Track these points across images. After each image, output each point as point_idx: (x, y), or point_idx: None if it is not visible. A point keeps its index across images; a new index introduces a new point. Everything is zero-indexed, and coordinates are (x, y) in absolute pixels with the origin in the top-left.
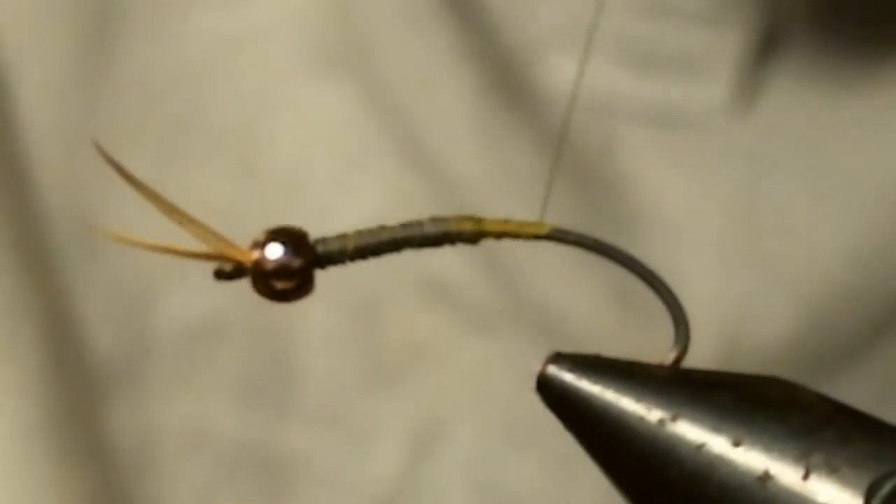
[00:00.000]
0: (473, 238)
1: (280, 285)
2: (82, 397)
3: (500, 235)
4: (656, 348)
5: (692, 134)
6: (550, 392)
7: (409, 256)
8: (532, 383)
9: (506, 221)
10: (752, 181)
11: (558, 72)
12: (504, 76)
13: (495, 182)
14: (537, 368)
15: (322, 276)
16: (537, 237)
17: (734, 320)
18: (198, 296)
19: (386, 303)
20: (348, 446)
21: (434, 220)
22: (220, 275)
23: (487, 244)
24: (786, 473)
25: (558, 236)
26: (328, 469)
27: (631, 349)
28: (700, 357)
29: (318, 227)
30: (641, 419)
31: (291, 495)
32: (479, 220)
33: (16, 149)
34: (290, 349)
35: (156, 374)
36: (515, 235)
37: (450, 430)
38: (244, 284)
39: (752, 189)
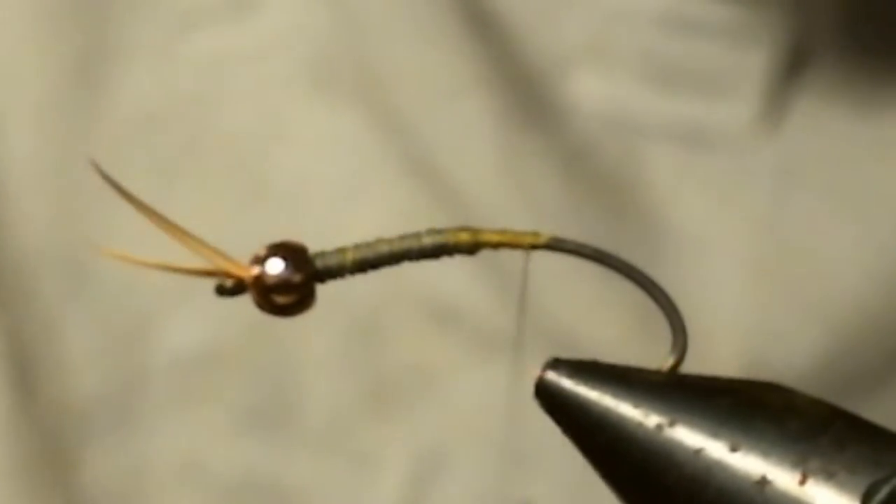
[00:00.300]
0: (470, 249)
1: (281, 300)
2: (63, 437)
3: (497, 245)
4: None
5: (718, 152)
6: (549, 398)
7: (411, 277)
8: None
9: (503, 232)
10: (778, 200)
11: (581, 90)
12: (524, 94)
13: (513, 202)
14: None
15: (322, 299)
16: (535, 247)
17: (759, 340)
18: (192, 326)
19: (387, 326)
20: (350, 474)
21: (431, 231)
22: (220, 291)
23: (491, 263)
24: (783, 478)
25: (556, 245)
26: (330, 498)
27: (645, 363)
28: (724, 359)
29: (324, 247)
30: (639, 424)
31: None
32: (475, 231)
33: (2, 181)
34: (289, 376)
35: (147, 408)
36: (513, 245)
37: (453, 455)
38: (240, 313)
39: (778, 208)
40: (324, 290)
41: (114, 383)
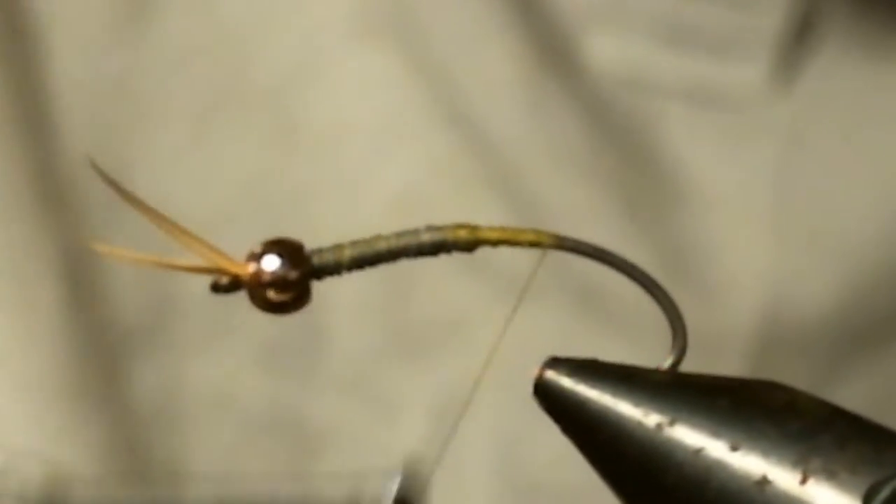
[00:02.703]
0: (469, 246)
1: (277, 297)
2: (105, 350)
3: (496, 243)
4: (699, 315)
5: (731, 111)
6: (548, 397)
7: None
8: (563, 350)
9: (502, 229)
10: (792, 157)
11: (599, 49)
12: (547, 48)
13: (538, 148)
14: (576, 344)
15: None
16: (534, 245)
17: (774, 294)
18: None
19: (417, 273)
20: (372, 416)
21: (430, 228)
22: (216, 288)
23: (523, 213)
24: (784, 478)
25: (556, 244)
26: (352, 437)
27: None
28: (741, 330)
29: (356, 198)
30: (639, 423)
31: (314, 461)
32: (474, 228)
33: (49, 103)
34: (319, 317)
35: (183, 334)
36: (513, 243)
37: (474, 401)
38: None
39: (792, 165)
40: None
41: (152, 308)
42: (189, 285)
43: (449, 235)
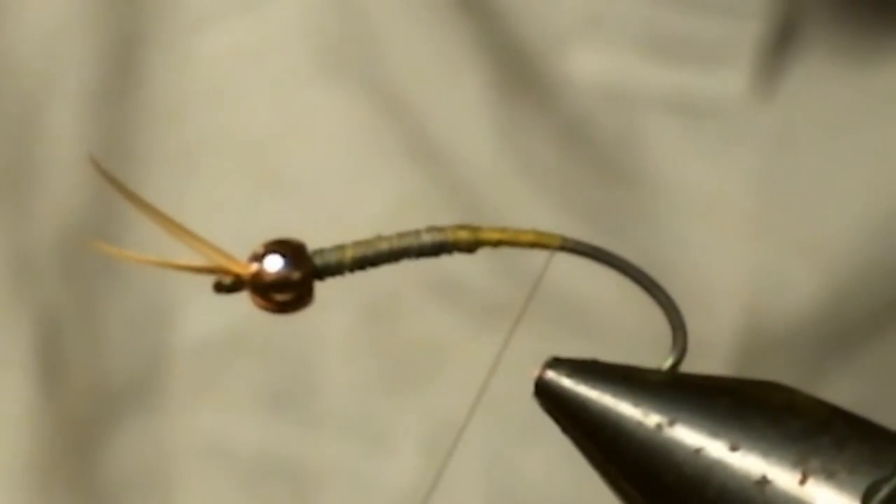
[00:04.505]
0: (470, 247)
1: (279, 298)
2: (92, 418)
3: (497, 244)
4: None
5: (714, 120)
6: (548, 397)
7: None
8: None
9: (503, 230)
10: (775, 161)
11: (579, 63)
12: (522, 69)
13: (512, 172)
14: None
15: (334, 282)
16: (535, 245)
17: (757, 298)
18: (216, 309)
19: (399, 304)
20: (368, 451)
21: (431, 229)
22: (219, 288)
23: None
24: (783, 478)
25: (556, 244)
26: (350, 476)
27: (654, 333)
28: (725, 330)
29: (337, 234)
30: (639, 424)
31: (313, 503)
32: (475, 229)
33: (38, 161)
34: (307, 357)
35: (174, 390)
36: (513, 244)
37: (467, 429)
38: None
39: (775, 169)
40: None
41: (140, 367)
42: (177, 338)
43: (450, 236)
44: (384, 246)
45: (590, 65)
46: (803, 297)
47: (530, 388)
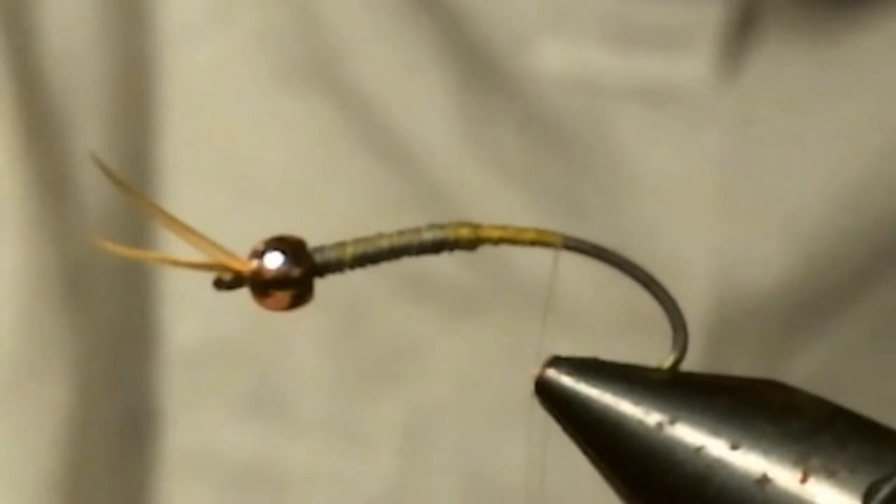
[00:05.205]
0: (471, 244)
1: (279, 294)
2: (105, 440)
3: (497, 241)
4: (637, 312)
5: (679, 105)
6: (549, 395)
7: None
8: (520, 361)
9: (504, 227)
10: (740, 142)
11: (544, 56)
12: (487, 64)
13: (480, 170)
14: (529, 350)
15: None
16: (535, 243)
17: (726, 271)
18: (194, 321)
19: (369, 303)
20: (347, 453)
21: (432, 227)
22: (219, 285)
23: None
24: (784, 476)
25: (556, 242)
26: (330, 478)
27: (618, 315)
28: (696, 303)
29: (309, 237)
30: (640, 422)
31: None
32: (476, 227)
33: (71, 181)
34: (282, 362)
35: (158, 404)
36: (514, 241)
37: (441, 422)
38: (232, 308)
39: (740, 149)
40: None
41: (126, 381)
42: (163, 352)
43: (450, 234)
44: (384, 243)
45: (555, 56)
46: (770, 273)
47: (505, 379)
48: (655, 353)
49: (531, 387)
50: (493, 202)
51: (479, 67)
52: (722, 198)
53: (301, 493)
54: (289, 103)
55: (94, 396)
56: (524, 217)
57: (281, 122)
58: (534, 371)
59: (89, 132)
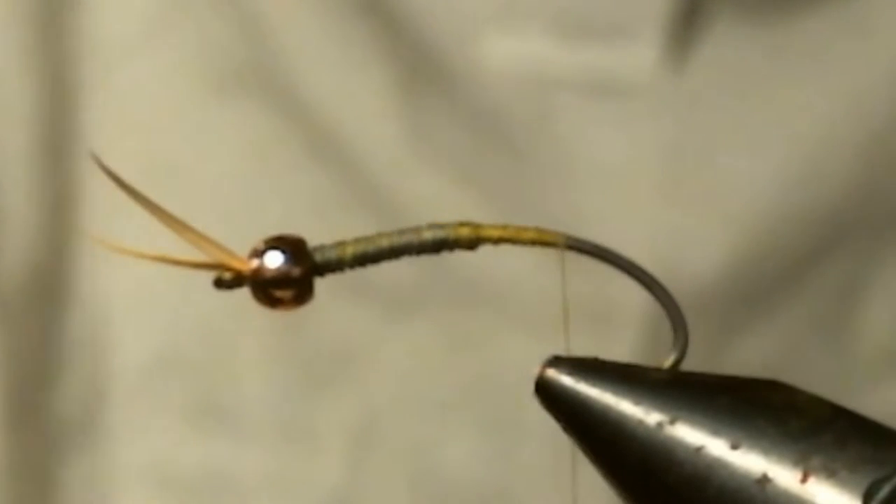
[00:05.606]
0: (471, 244)
1: (279, 294)
2: (42, 449)
3: (498, 241)
4: (590, 288)
5: (626, 95)
6: (548, 395)
7: None
8: (462, 357)
9: (504, 227)
10: (686, 129)
11: (492, 51)
12: (431, 63)
13: (425, 169)
14: (471, 346)
15: (244, 297)
16: (536, 243)
17: (670, 252)
18: (144, 335)
19: (307, 307)
20: (296, 456)
21: (432, 226)
22: (219, 284)
23: (394, 226)
24: (784, 476)
25: (557, 241)
26: (281, 482)
27: (554, 302)
28: (631, 300)
29: (242, 235)
30: (640, 422)
31: None
32: (476, 226)
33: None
34: (229, 371)
35: (114, 419)
36: (514, 241)
37: (387, 421)
38: (182, 319)
39: (685, 136)
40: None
41: (82, 398)
42: (114, 368)
43: (451, 233)
44: (384, 243)
45: (502, 52)
46: (712, 260)
47: (448, 375)
48: (607, 348)
49: (481, 382)
50: (438, 201)
51: (423, 66)
52: (665, 186)
53: (254, 500)
54: (229, 112)
55: (26, 413)
56: (469, 214)
57: (220, 131)
58: (534, 371)
59: (18, 148)
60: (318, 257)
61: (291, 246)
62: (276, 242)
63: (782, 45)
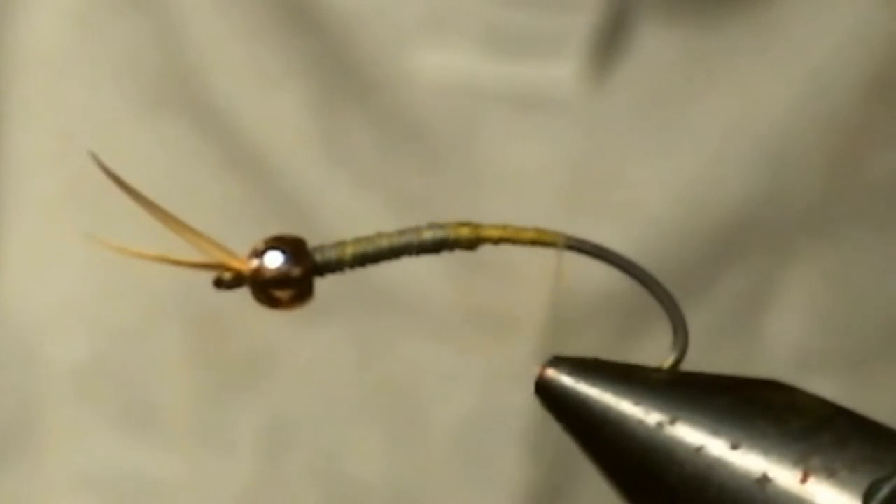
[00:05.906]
0: (471, 244)
1: (279, 294)
2: None
3: (497, 241)
4: (492, 293)
5: (546, 108)
6: (549, 395)
7: None
8: (373, 361)
9: (504, 227)
10: (599, 142)
11: (419, 64)
12: (355, 77)
13: (341, 180)
14: (381, 350)
15: (163, 296)
16: (535, 243)
17: (573, 262)
18: (69, 345)
19: (221, 313)
20: (211, 459)
21: (432, 226)
22: (219, 284)
23: (309, 230)
24: (784, 476)
25: (557, 241)
26: (200, 484)
27: (457, 308)
28: (535, 304)
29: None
30: (640, 422)
31: None
32: (476, 226)
33: None
34: (148, 378)
35: (42, 429)
36: (514, 241)
37: (299, 424)
38: (105, 327)
39: (598, 149)
40: (164, 297)
41: (11, 409)
42: (44, 375)
43: (451, 233)
44: (384, 243)
45: (429, 64)
46: (613, 271)
47: (359, 379)
48: (509, 352)
49: (389, 386)
50: (352, 210)
51: (348, 79)
52: (571, 197)
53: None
54: (147, 127)
55: None
56: (382, 222)
57: (138, 146)
58: (535, 371)
59: None
60: (318, 257)
61: (291, 246)
62: (276, 242)
63: (700, 60)
